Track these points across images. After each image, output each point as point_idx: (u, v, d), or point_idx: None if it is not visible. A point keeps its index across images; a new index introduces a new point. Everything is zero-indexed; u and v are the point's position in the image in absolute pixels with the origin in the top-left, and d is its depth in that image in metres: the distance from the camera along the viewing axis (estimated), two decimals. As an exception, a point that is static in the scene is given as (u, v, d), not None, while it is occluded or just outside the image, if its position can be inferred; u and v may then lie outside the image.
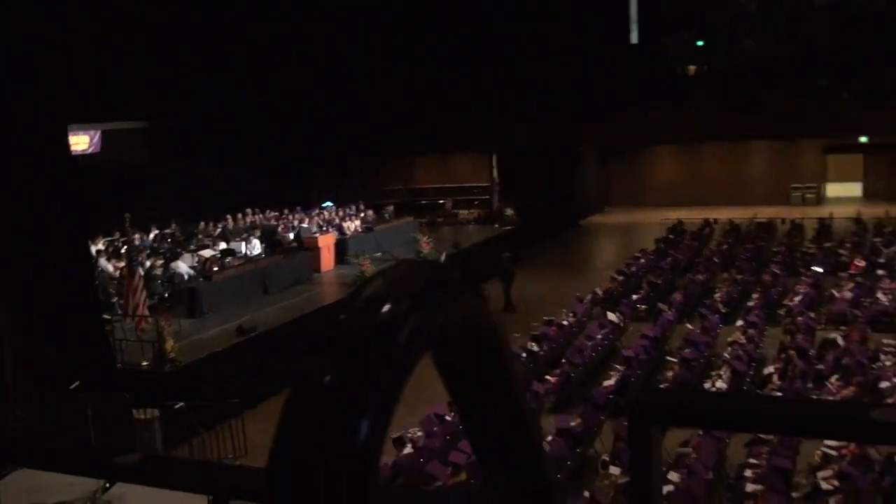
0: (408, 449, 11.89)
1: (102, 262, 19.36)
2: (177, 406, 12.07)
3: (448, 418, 13.10)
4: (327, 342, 0.65)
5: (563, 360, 15.86)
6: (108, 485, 3.63)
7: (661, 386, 14.07)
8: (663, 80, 39.23)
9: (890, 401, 12.97)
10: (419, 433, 12.37)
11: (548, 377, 15.13)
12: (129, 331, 16.02)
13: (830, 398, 13.18)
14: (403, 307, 0.67)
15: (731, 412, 1.03)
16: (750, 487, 10.34)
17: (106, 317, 16.28)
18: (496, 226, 29.64)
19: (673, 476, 10.69)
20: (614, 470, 10.80)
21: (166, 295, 19.23)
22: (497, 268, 22.66)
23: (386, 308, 0.66)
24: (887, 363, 14.89)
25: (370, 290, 0.68)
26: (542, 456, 0.93)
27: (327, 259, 22.92)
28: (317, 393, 0.62)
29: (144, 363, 14.68)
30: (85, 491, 3.57)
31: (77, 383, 12.20)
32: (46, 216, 13.42)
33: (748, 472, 10.69)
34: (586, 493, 10.34)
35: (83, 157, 23.73)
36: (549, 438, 11.84)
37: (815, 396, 13.38)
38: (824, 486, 10.27)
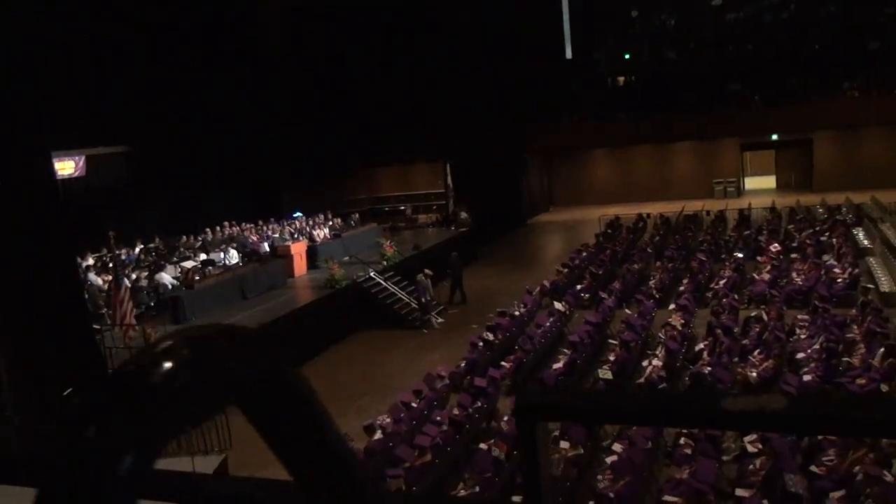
0: (378, 435, 11.83)
1: (92, 276, 19.01)
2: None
3: (414, 405, 13.09)
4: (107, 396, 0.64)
5: (517, 347, 15.90)
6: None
7: (601, 375, 14.15)
8: (596, 90, 39.62)
9: (806, 369, 13.21)
10: (388, 420, 12.31)
11: (503, 363, 15.16)
12: (119, 339, 15.74)
13: (754, 371, 13.40)
14: (183, 361, 0.66)
15: (604, 409, 1.05)
16: (684, 452, 10.46)
17: (96, 327, 15.98)
18: (452, 228, 29.65)
19: (616, 447, 10.79)
20: (564, 444, 10.84)
21: (152, 304, 18.94)
22: (447, 266, 22.80)
23: (167, 363, 0.66)
24: (802, 336, 15.17)
25: (157, 348, 0.68)
26: (363, 490, 0.92)
27: (300, 265, 22.76)
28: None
29: (133, 368, 14.38)
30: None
31: (70, 390, 11.95)
32: (36, 236, 13.14)
33: (682, 441, 10.80)
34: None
35: (70, 181, 23.27)
36: (506, 418, 11.89)
37: (739, 370, 13.58)
38: (750, 448, 10.43)
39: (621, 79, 40.99)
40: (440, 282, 22.55)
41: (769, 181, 38.78)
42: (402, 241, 26.45)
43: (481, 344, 15.99)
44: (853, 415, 0.83)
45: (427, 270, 20.28)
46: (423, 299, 19.94)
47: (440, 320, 20.18)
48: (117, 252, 19.09)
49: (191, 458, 11.17)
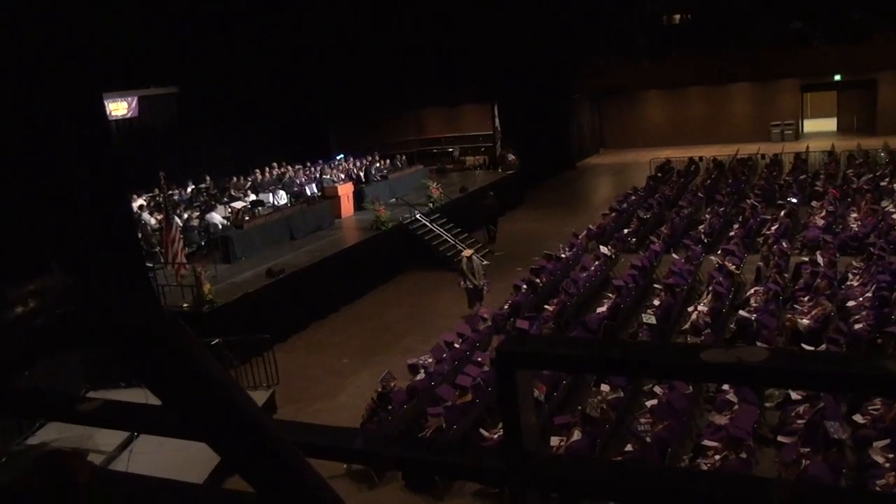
0: (421, 374, 12.02)
1: (145, 215, 19.46)
2: (213, 342, 12.20)
3: (456, 346, 13.23)
4: None
5: (561, 290, 15.87)
6: (136, 435, 3.65)
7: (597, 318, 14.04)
8: (650, 28, 38.44)
9: (857, 317, 12.92)
10: (430, 360, 12.48)
11: (546, 306, 15.16)
12: (171, 277, 16.18)
13: (803, 318, 13.15)
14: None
15: (583, 359, 1.03)
16: (727, 398, 10.39)
17: (149, 265, 16.44)
18: (500, 170, 29.43)
19: (657, 391, 10.78)
20: (604, 387, 10.87)
21: (203, 243, 19.34)
22: (482, 207, 22.84)
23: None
24: (854, 284, 14.81)
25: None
26: (262, 435, 0.96)
27: (347, 206, 22.92)
28: None
29: (185, 305, 14.82)
30: (111, 443, 3.59)
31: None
32: (92, 176, 13.44)
33: (725, 386, 10.71)
34: (580, 408, 10.43)
35: (123, 122, 23.63)
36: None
37: (787, 317, 13.36)
38: (794, 395, 10.31)
39: (676, 16, 39.63)
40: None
41: (829, 124, 37.38)
42: (448, 184, 26.39)
43: (525, 286, 15.99)
44: (830, 370, 0.79)
45: (466, 252, 17.20)
46: (468, 284, 16.23)
47: (485, 262, 20.22)
48: (169, 192, 19.45)
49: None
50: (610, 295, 15.33)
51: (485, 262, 19.94)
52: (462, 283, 16.16)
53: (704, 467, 8.70)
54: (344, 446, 1.49)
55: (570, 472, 1.17)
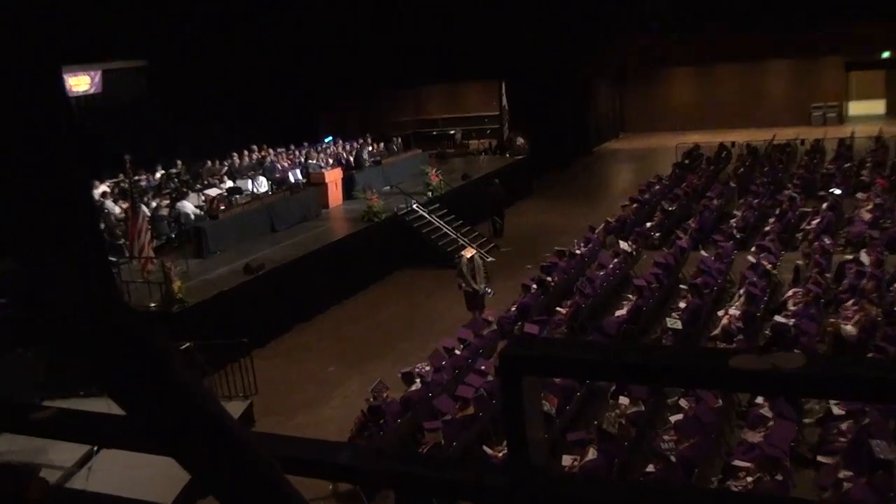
0: (416, 384, 12.00)
1: (108, 203, 19.46)
2: (184, 346, 12.19)
3: (457, 352, 13.23)
4: None
5: (575, 291, 15.87)
6: (96, 449, 3.67)
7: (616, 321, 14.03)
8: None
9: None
10: (428, 368, 12.46)
11: (559, 308, 15.16)
12: (136, 273, 16.17)
13: (847, 323, 13.14)
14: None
15: (597, 364, 1.02)
16: (762, 412, 10.38)
17: (112, 259, 16.43)
18: (507, 155, 29.43)
19: (683, 403, 10.77)
20: (623, 400, 10.87)
21: (173, 235, 19.34)
22: (486, 196, 22.86)
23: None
24: (905, 285, 14.79)
25: None
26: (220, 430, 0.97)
27: (335, 195, 22.95)
28: None
29: (152, 304, 14.81)
30: (69, 458, 3.60)
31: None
32: (48, 159, 13.41)
33: (760, 399, 10.70)
34: (595, 423, 10.42)
35: (84, 98, 23.59)
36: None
37: (830, 321, 13.35)
38: (836, 410, 10.30)
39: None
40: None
41: (877, 106, 37.34)
42: (449, 170, 26.42)
43: (535, 286, 15.99)
44: (875, 377, 0.78)
45: (466, 252, 16.62)
46: (468, 287, 16.02)
47: (490, 259, 20.19)
48: (136, 178, 19.43)
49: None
50: (630, 296, 15.31)
51: (489, 259, 19.93)
52: (461, 285, 16.13)
53: (735, 490, 8.69)
54: (329, 461, 1.49)
55: (583, 491, 1.15)
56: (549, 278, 16.43)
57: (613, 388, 11.42)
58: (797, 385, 0.90)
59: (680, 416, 10.40)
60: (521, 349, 1.04)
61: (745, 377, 0.86)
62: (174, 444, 1.01)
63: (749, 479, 8.82)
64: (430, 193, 22.89)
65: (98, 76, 24.32)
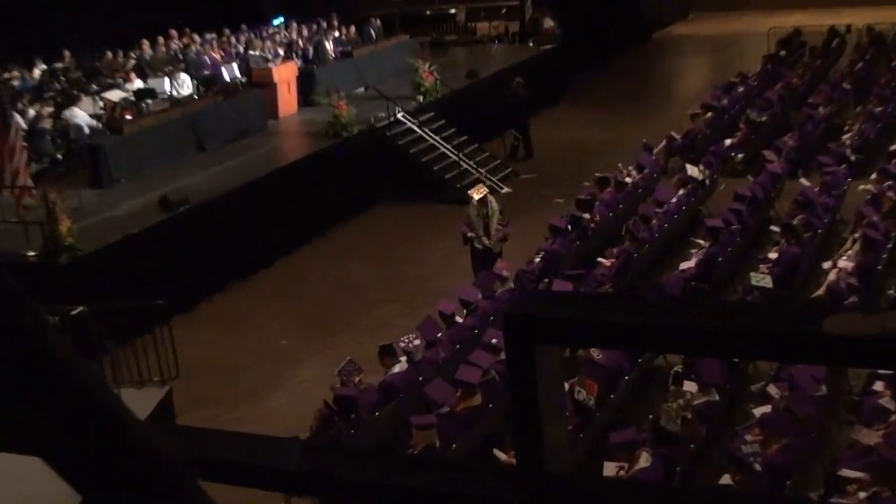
0: (401, 364, 12.02)
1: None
2: (76, 311, 12.18)
3: (458, 320, 13.25)
4: None
5: (624, 234, 15.83)
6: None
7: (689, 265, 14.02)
8: None
9: None
10: (417, 341, 12.47)
11: (601, 259, 15.16)
12: (8, 208, 16.13)
13: None
14: None
15: (644, 328, 0.98)
16: (880, 403, 10.42)
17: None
18: (531, 44, 29.23)
19: (771, 391, 10.80)
20: (689, 386, 10.90)
21: (59, 157, 19.29)
22: (507, 101, 22.69)
23: None
24: None
25: None
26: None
27: (287, 100, 22.80)
28: None
29: (31, 253, 14.81)
30: None
31: None
32: None
33: (879, 385, 10.73)
34: (651, 417, 10.47)
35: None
36: (599, 344, 11.95)
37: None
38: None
39: None
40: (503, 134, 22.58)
41: None
42: (450, 65, 26.26)
43: (568, 227, 15.96)
44: None
45: (476, 192, 16.17)
46: (476, 243, 15.75)
47: (505, 190, 20.16)
48: (5, 76, 19.29)
49: (117, 389, 11.52)
50: (701, 242, 15.30)
51: (504, 191, 19.89)
52: (467, 236, 15.84)
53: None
54: (274, 465, 1.48)
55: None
56: (587, 217, 16.39)
57: (676, 369, 11.45)
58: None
59: (767, 409, 10.44)
60: (533, 306, 1.00)
61: (844, 347, 0.82)
62: (35, 438, 0.99)
63: (862, 494, 8.88)
64: (421, 98, 22.75)
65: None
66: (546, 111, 26.16)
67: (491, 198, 16.18)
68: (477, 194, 16.03)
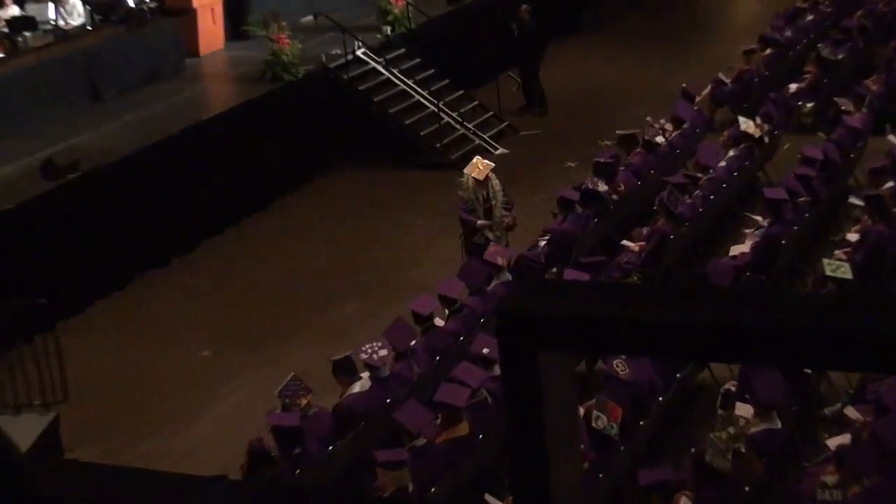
0: (361, 382, 12.03)
1: None
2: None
3: (440, 323, 13.26)
4: None
5: (657, 209, 15.88)
6: None
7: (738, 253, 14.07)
8: None
9: None
10: (384, 351, 12.48)
11: (625, 242, 15.21)
12: None
13: None
14: None
15: (685, 328, 0.94)
16: None
17: None
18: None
19: (850, 414, 10.84)
20: (742, 409, 10.93)
21: None
22: (511, 36, 22.68)
23: None
24: None
25: None
26: None
27: (211, 32, 22.83)
28: None
29: None
30: None
31: None
32: None
33: None
34: (693, 451, 10.51)
35: None
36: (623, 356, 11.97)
37: None
38: None
39: None
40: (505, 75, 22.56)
41: None
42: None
43: (583, 200, 16.00)
44: None
45: (470, 170, 16.02)
46: (478, 237, 15.78)
47: (500, 150, 20.21)
48: None
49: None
50: (757, 219, 15.37)
51: (498, 151, 19.94)
52: (472, 222, 15.54)
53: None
54: None
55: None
56: (607, 187, 16.42)
57: (726, 387, 11.49)
58: None
59: (846, 439, 10.48)
60: (536, 300, 0.99)
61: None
62: None
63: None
64: (388, 29, 22.78)
65: None
66: (559, 47, 26.12)
67: (493, 176, 15.90)
68: (476, 172, 15.76)
